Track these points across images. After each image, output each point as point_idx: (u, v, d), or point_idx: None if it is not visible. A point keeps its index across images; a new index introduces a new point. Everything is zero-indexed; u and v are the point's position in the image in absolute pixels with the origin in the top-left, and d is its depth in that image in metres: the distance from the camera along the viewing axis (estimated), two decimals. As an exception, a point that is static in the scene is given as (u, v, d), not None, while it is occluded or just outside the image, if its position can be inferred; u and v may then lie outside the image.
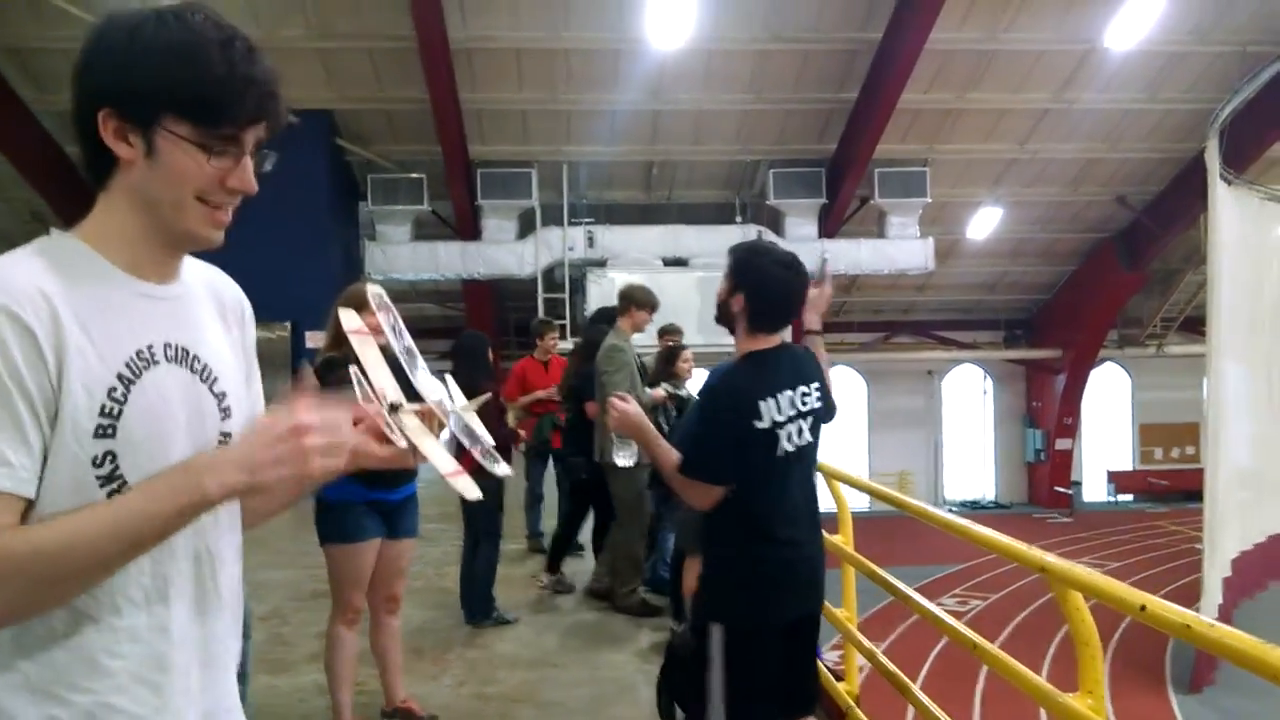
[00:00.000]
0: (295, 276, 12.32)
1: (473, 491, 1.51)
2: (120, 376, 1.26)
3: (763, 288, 2.91)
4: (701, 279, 14.38)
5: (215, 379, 1.39)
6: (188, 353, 1.36)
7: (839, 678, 4.32)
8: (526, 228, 16.43)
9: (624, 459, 5.61)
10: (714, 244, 16.35)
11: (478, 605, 6.10)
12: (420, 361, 1.78)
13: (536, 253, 16.32)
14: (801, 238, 16.76)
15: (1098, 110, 16.04)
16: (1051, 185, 18.24)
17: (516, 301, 18.08)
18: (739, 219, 17.03)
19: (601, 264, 16.12)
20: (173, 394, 1.32)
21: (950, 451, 25.38)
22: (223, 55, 1.28)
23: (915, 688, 3.30)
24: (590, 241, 16.31)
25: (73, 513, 1.20)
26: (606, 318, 6.75)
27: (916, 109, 15.43)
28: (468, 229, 16.26)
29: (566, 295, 16.31)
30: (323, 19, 12.98)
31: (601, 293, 15.49)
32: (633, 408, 3.01)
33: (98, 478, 1.24)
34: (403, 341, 1.79)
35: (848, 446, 23.76)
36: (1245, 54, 13.96)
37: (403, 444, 1.43)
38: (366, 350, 1.54)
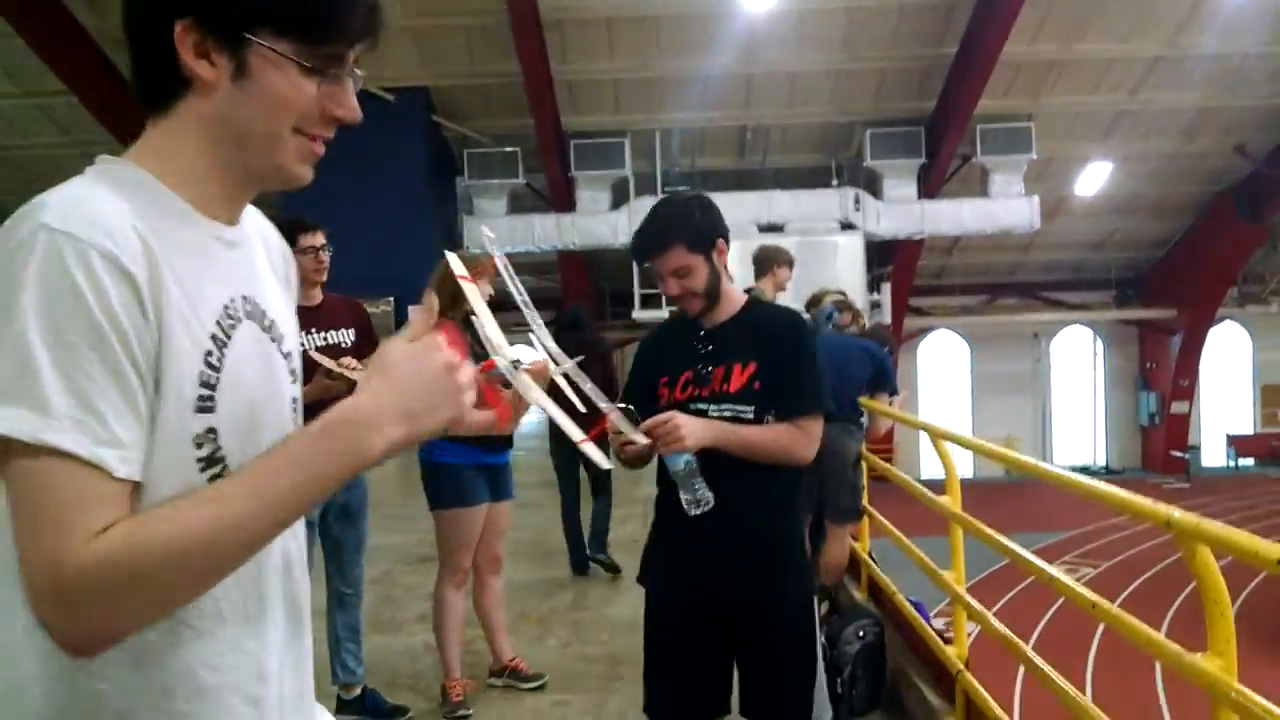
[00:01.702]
0: (396, 252, 12.58)
1: (603, 460, 1.47)
2: (214, 338, 1.08)
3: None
4: (799, 243, 14.17)
5: (282, 337, 1.21)
6: (259, 308, 1.17)
7: (948, 641, 4.24)
8: (620, 198, 16.44)
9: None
10: (810, 208, 16.12)
11: (595, 542, 6.58)
12: (538, 315, 1.75)
13: (630, 222, 16.31)
14: (901, 199, 16.42)
15: (1214, 56, 15.21)
16: (1165, 137, 17.43)
17: (611, 272, 18.14)
18: (835, 182, 16.74)
19: (696, 231, 16.04)
20: (255, 357, 1.14)
21: (1059, 416, 24.68)
22: None
23: (1028, 648, 3.21)
24: (685, 209, 16.25)
25: (198, 493, 1.02)
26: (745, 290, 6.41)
27: (1019, 62, 14.89)
28: (562, 201, 16.36)
29: (661, 264, 16.29)
30: (416, -4, 13.13)
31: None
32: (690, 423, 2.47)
33: (198, 460, 1.06)
34: (521, 294, 1.76)
35: (951, 410, 23.28)
36: (1379, -12, 13.09)
37: (533, 403, 1.32)
38: (478, 301, 1.40)
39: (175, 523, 0.97)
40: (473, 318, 1.40)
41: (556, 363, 1.73)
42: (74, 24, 13.20)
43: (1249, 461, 24.40)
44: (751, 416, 2.56)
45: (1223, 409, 24.48)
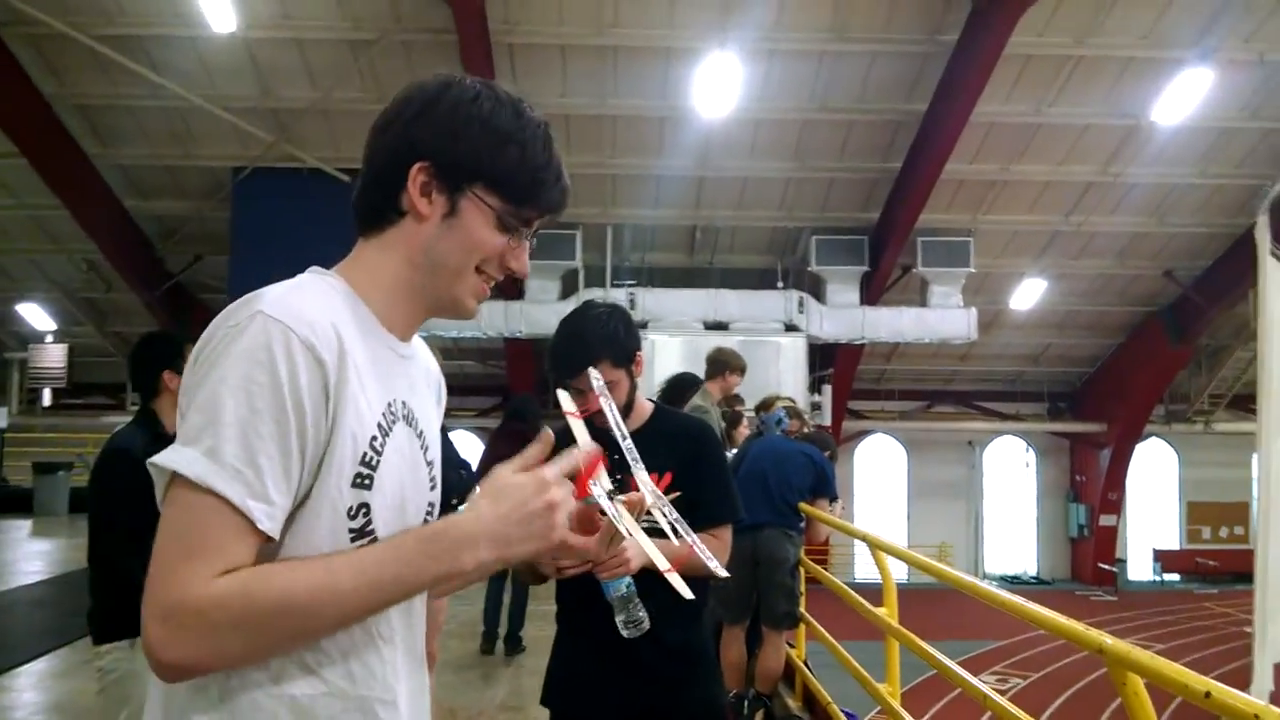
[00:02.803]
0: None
1: (687, 590, 1.49)
2: (380, 426, 1.23)
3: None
4: (743, 342, 14.37)
5: (428, 446, 1.36)
6: (413, 415, 1.32)
7: (880, 755, 4.22)
8: (569, 288, 16.58)
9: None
10: (756, 309, 16.38)
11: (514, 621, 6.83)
12: (635, 450, 1.76)
13: (578, 313, 16.43)
14: (843, 304, 16.77)
15: (1145, 184, 16.00)
16: (1097, 258, 18.13)
17: (557, 361, 18.14)
18: (781, 284, 17.08)
19: (643, 326, 16.19)
20: (407, 454, 1.29)
21: (991, 524, 24.96)
22: (546, 147, 1.32)
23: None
24: (632, 303, 16.41)
25: (313, 561, 1.14)
26: (687, 383, 6.42)
27: (961, 179, 15.49)
28: (511, 288, 16.44)
29: (607, 356, 16.37)
30: (379, 85, 13.31)
31: (643, 355, 15.53)
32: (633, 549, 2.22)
33: (351, 531, 1.20)
34: (622, 430, 1.77)
35: (888, 516, 23.46)
36: (1295, 131, 13.91)
37: (627, 535, 1.40)
38: (582, 434, 1.52)
39: (286, 582, 1.11)
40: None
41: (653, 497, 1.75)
42: (31, 89, 13.24)
43: (1175, 576, 24.81)
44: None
45: (1150, 524, 24.97)
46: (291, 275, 1.29)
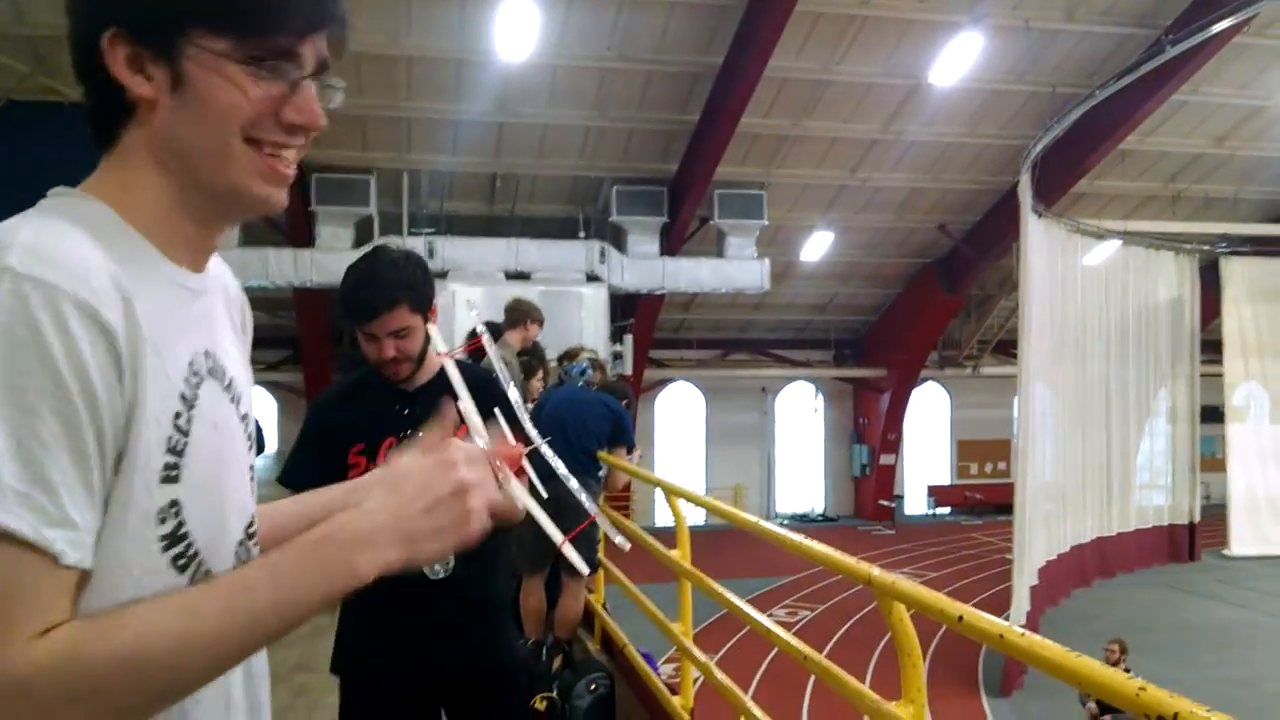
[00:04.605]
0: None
1: (584, 565, 1.35)
2: (183, 397, 0.95)
3: None
4: (544, 292, 14.35)
5: (239, 397, 1.06)
6: (220, 364, 1.03)
7: (674, 691, 4.37)
8: (364, 236, 16.02)
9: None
10: (557, 259, 16.36)
11: None
12: (517, 394, 1.50)
13: (374, 262, 15.95)
14: (644, 255, 16.99)
15: (922, 142, 16.93)
16: (879, 212, 19.13)
17: (352, 312, 17.60)
18: (582, 234, 17.11)
19: (442, 276, 15.85)
20: (217, 421, 1.01)
21: (782, 466, 26.16)
22: None
23: (747, 699, 3.37)
24: (430, 252, 16.04)
25: (157, 602, 0.87)
26: (492, 331, 6.42)
27: (755, 134, 15.91)
28: (301, 235, 15.75)
29: (405, 306, 16.00)
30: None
31: (441, 305, 15.22)
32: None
33: (161, 539, 0.93)
34: (504, 372, 1.54)
35: (686, 460, 24.18)
36: (1055, 95, 15.00)
37: (518, 503, 1.14)
38: (457, 379, 1.27)
39: (134, 634, 0.84)
40: (459, 403, 1.21)
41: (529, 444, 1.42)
42: None
43: (946, 510, 26.81)
44: None
45: (924, 462, 26.85)
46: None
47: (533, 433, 1.37)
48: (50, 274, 0.85)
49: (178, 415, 0.95)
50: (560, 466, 1.44)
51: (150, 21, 0.94)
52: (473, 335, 6.05)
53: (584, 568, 1.41)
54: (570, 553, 1.34)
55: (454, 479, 0.97)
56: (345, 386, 2.82)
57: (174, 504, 0.94)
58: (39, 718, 0.81)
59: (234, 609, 0.88)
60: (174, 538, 0.95)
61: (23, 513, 0.81)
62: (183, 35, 0.94)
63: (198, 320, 1.02)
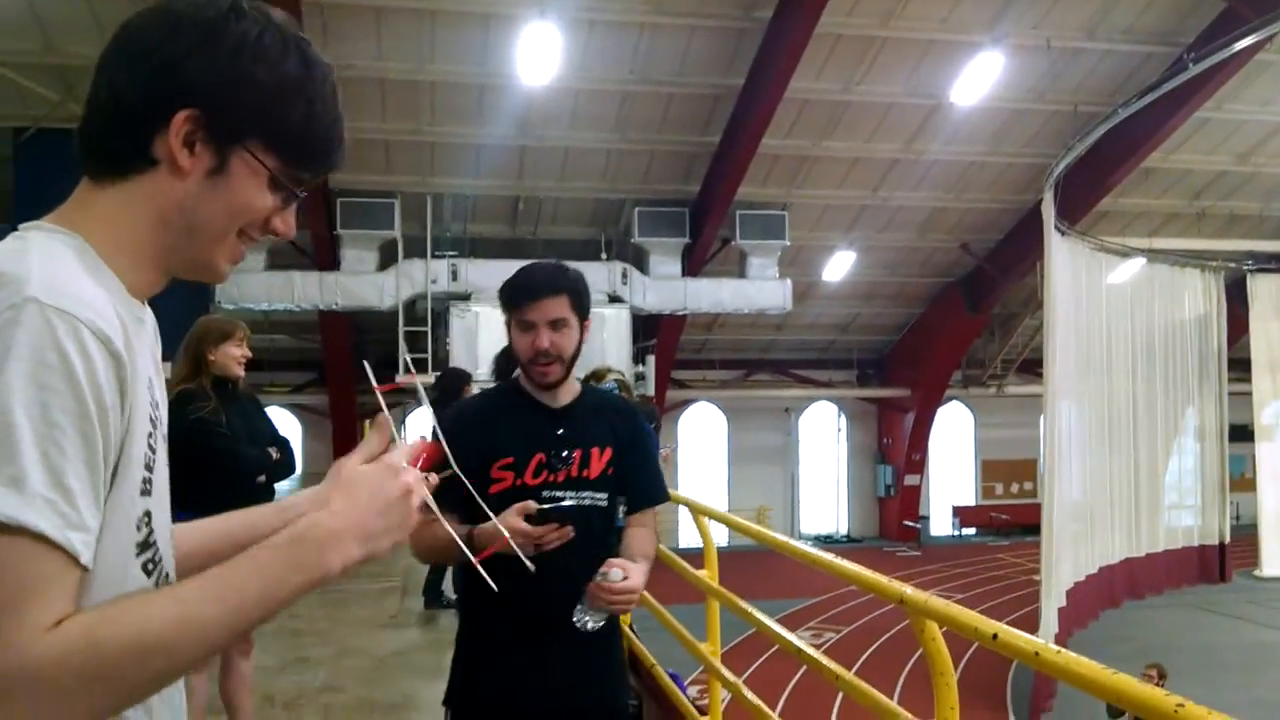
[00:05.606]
0: (160, 311, 11.78)
1: (491, 584, 1.41)
2: (152, 419, 1.06)
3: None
4: (566, 315, 14.42)
5: (160, 419, 1.14)
6: (153, 385, 1.12)
7: (703, 712, 4.36)
8: (388, 259, 16.17)
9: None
10: (579, 280, 16.41)
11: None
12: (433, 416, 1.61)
13: (398, 285, 16.06)
14: (666, 276, 17.04)
15: (944, 161, 16.92)
16: (901, 231, 19.09)
17: (376, 334, 17.71)
18: (604, 256, 17.18)
19: (465, 298, 15.97)
20: (164, 438, 1.13)
21: (806, 487, 26.04)
22: (334, 101, 1.15)
23: (775, 716, 3.36)
24: (454, 275, 16.16)
25: (157, 595, 1.01)
26: (459, 377, 6.45)
27: (776, 154, 15.94)
28: (325, 259, 15.89)
29: (429, 329, 16.08)
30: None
31: (465, 327, 15.35)
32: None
33: (137, 545, 1.04)
34: (424, 398, 1.63)
35: (709, 481, 24.11)
36: (1077, 113, 14.97)
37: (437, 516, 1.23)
38: (385, 408, 1.31)
39: (137, 623, 0.94)
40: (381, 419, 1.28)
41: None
42: None
43: (971, 531, 26.58)
44: (606, 504, 2.44)
45: (949, 482, 26.64)
46: None
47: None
48: (72, 306, 0.96)
49: (150, 434, 1.06)
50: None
51: (228, 119, 1.07)
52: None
53: (494, 586, 1.47)
54: (484, 572, 1.40)
55: (400, 482, 1.09)
56: (485, 400, 2.76)
57: (147, 514, 1.07)
58: (57, 701, 0.90)
59: (224, 598, 0.99)
60: (145, 544, 1.07)
61: (51, 516, 0.91)
62: (246, 139, 1.09)
63: (146, 348, 1.12)
